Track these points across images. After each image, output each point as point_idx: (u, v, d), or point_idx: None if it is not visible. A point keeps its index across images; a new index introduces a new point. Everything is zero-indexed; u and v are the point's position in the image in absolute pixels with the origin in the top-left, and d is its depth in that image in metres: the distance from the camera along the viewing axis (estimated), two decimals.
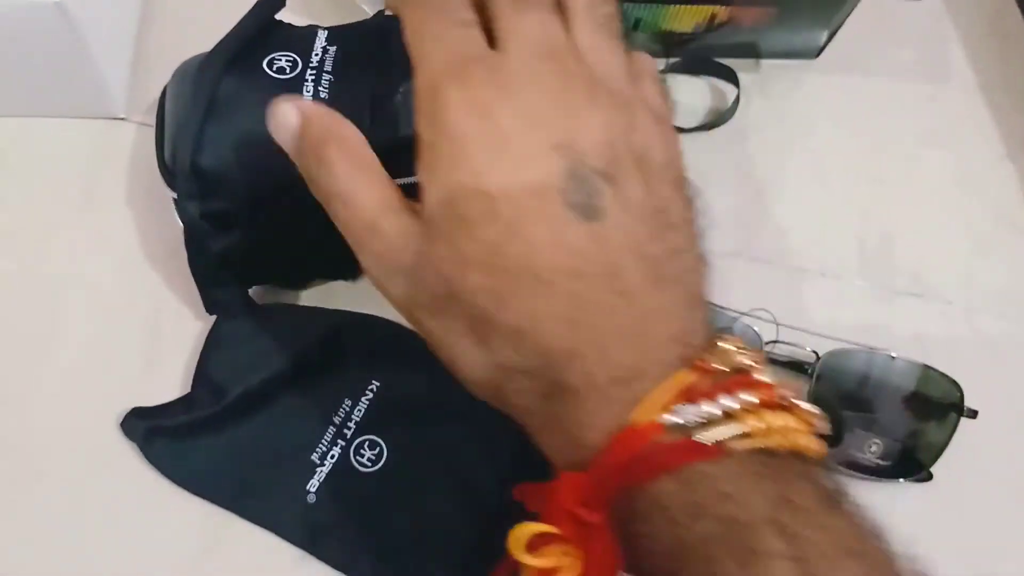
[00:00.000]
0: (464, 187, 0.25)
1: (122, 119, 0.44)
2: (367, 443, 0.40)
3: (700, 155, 0.46)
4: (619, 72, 0.28)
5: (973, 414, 0.40)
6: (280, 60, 0.38)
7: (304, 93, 0.37)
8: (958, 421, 0.40)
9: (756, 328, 0.40)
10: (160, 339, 0.41)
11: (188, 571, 0.37)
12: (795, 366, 0.41)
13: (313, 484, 0.39)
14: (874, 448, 0.40)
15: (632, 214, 0.25)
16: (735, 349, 0.25)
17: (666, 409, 0.23)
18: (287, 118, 0.28)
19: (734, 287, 0.43)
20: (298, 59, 0.38)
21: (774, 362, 0.41)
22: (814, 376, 0.40)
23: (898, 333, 0.43)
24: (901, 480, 0.40)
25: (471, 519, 0.38)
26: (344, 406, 0.40)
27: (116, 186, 0.43)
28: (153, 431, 0.38)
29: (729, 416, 0.23)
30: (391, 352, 0.41)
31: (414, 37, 0.28)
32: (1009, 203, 0.46)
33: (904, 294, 0.44)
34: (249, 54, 0.38)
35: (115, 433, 0.38)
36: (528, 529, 0.24)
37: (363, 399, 0.40)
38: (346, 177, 0.27)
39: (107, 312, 0.41)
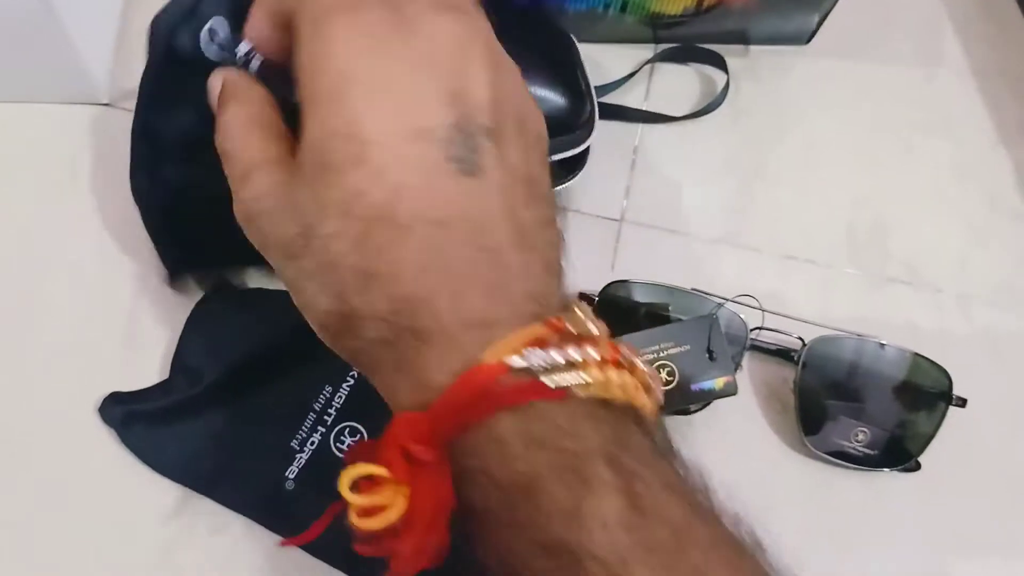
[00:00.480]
0: (336, 132, 0.25)
1: (106, 104, 0.44)
2: (347, 429, 0.39)
3: (690, 142, 0.46)
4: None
5: (962, 403, 0.39)
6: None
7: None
8: (947, 410, 0.39)
9: (742, 316, 0.40)
10: (140, 325, 0.40)
11: (165, 556, 0.37)
12: (781, 353, 0.40)
13: (292, 471, 0.38)
14: (861, 437, 0.39)
15: (510, 176, 0.25)
16: (586, 317, 0.25)
17: (515, 352, 0.23)
18: (213, 83, 0.30)
19: (722, 274, 0.43)
20: None
21: (759, 349, 0.40)
22: (800, 363, 0.39)
23: (888, 321, 0.42)
24: (888, 470, 0.39)
25: None
26: (324, 392, 0.40)
27: (98, 172, 0.43)
28: (130, 416, 0.38)
29: (572, 366, 0.23)
30: None
31: None
32: (1003, 190, 0.45)
33: (895, 282, 0.43)
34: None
35: (93, 418, 0.38)
36: (357, 470, 0.24)
37: (344, 386, 0.40)
38: (235, 133, 0.28)
39: (87, 297, 0.41)
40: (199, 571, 0.37)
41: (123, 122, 0.43)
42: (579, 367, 0.23)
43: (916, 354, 0.40)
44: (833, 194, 0.45)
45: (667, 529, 0.22)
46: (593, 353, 0.24)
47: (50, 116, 0.44)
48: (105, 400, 0.38)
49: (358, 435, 0.39)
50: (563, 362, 0.23)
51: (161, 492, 0.38)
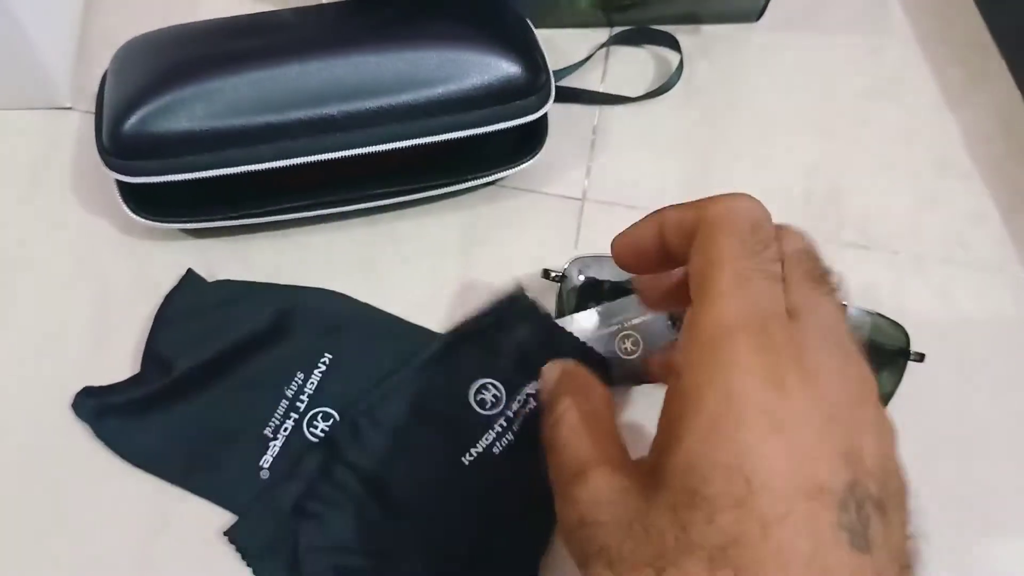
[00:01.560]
0: (717, 463, 0.22)
1: (68, 108, 0.44)
2: (320, 415, 0.40)
3: (648, 121, 0.47)
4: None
5: (920, 357, 0.40)
6: None
7: None
8: (905, 366, 0.40)
9: None
10: (109, 320, 0.41)
11: (141, 548, 0.37)
12: None
13: (266, 460, 0.39)
14: None
15: (889, 559, 0.22)
16: None
17: None
18: (549, 373, 0.33)
19: None
20: None
21: None
22: None
23: (846, 285, 0.43)
24: None
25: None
26: (296, 379, 0.40)
27: (64, 173, 0.44)
28: (103, 409, 0.39)
29: None
30: (343, 325, 0.41)
31: (714, 267, 0.25)
32: (951, 152, 0.46)
33: (852, 246, 0.44)
34: None
35: (67, 413, 0.38)
36: None
37: (315, 371, 0.40)
38: (569, 427, 0.29)
39: (57, 295, 0.41)
40: (176, 562, 0.37)
41: (85, 125, 0.44)
42: None
43: (875, 313, 0.41)
44: (787, 164, 0.46)
45: None
46: None
47: (12, 121, 0.44)
48: (77, 395, 0.39)
49: (331, 420, 0.40)
50: None
51: (136, 484, 0.38)
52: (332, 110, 0.39)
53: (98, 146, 0.39)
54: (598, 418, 0.29)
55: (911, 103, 0.48)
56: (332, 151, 0.39)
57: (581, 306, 0.41)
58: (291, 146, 0.39)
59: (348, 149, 0.39)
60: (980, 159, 0.46)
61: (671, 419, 0.24)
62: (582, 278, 0.41)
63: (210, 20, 0.42)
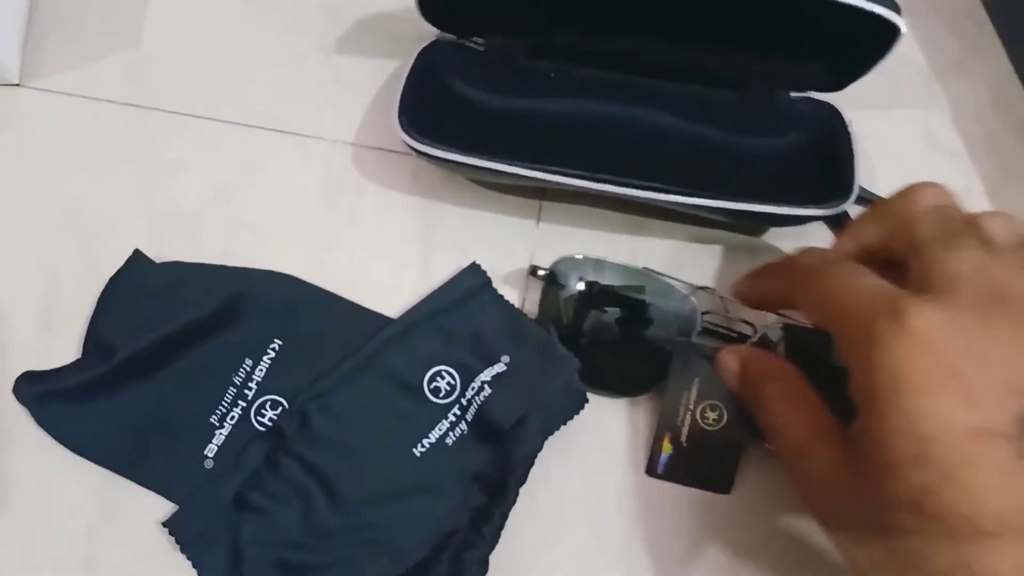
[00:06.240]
0: (897, 430, 0.25)
1: (16, 85, 0.43)
2: (269, 403, 0.38)
3: None
4: None
5: None
6: None
7: None
8: None
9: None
10: (56, 305, 0.40)
11: (85, 539, 0.36)
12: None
13: (211, 449, 0.37)
14: None
15: None
16: None
17: None
18: (730, 362, 0.35)
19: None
20: None
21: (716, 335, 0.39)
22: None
23: None
24: None
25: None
26: (245, 365, 0.39)
27: (11, 152, 0.42)
28: (44, 395, 0.37)
29: None
30: (293, 310, 0.40)
31: (826, 297, 0.29)
32: (938, 127, 0.44)
33: None
34: None
35: (8, 398, 0.37)
36: None
37: (264, 358, 0.39)
38: (782, 409, 0.32)
39: (3, 276, 0.40)
40: (120, 555, 0.36)
41: (35, 101, 0.43)
42: None
43: None
44: None
45: None
46: None
47: None
48: (18, 379, 0.37)
49: (279, 408, 0.38)
50: None
51: (80, 473, 0.37)
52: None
53: None
54: (803, 395, 0.31)
55: (900, 76, 0.45)
56: None
57: (581, 314, 0.39)
58: None
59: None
60: (968, 135, 0.44)
61: (860, 392, 0.27)
62: (581, 285, 0.39)
63: None
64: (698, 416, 0.37)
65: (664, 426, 0.37)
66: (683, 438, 0.37)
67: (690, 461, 0.37)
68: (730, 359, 0.35)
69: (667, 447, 0.37)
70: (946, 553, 0.24)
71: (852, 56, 0.39)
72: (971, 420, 0.24)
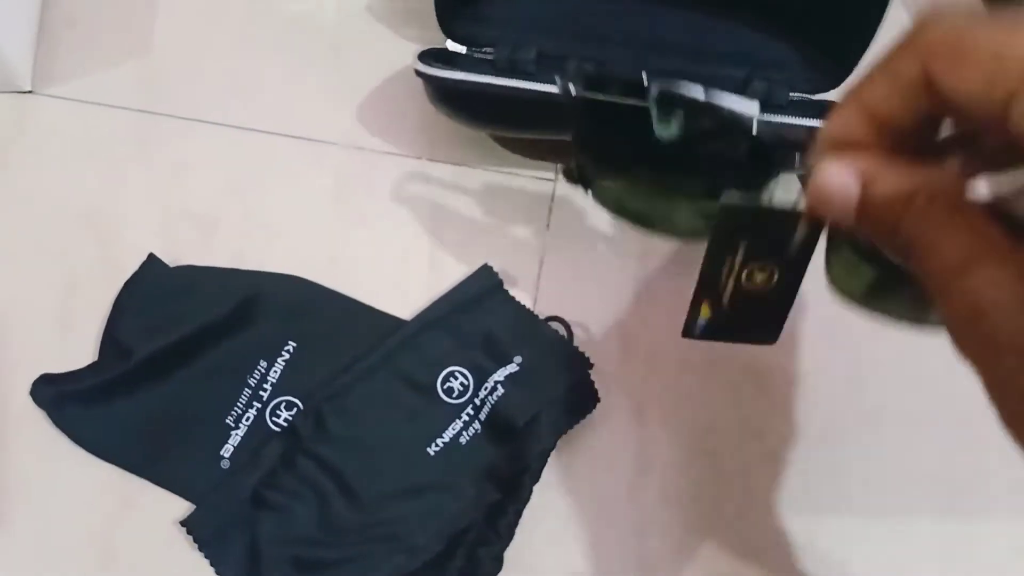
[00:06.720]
0: None
1: (28, 92, 0.44)
2: (284, 404, 0.39)
3: None
4: None
5: None
6: None
7: None
8: None
9: None
10: (73, 307, 0.40)
11: (101, 538, 0.37)
12: None
13: (227, 449, 0.38)
14: None
15: None
16: None
17: None
18: (839, 181, 0.25)
19: None
20: None
21: None
22: None
23: None
24: None
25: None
26: (259, 367, 0.39)
27: (28, 156, 0.43)
28: (62, 397, 0.38)
29: None
30: (306, 311, 0.40)
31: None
32: None
33: None
34: None
35: (26, 399, 0.38)
36: None
37: (279, 360, 0.39)
38: (936, 234, 0.23)
39: (21, 279, 0.40)
40: (137, 554, 0.36)
41: (49, 107, 0.43)
42: None
43: None
44: None
45: None
46: None
47: None
48: (36, 381, 0.38)
49: (294, 409, 0.39)
50: None
51: (96, 472, 0.37)
52: None
53: None
54: (968, 206, 0.23)
55: None
56: None
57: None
58: None
59: None
60: None
61: None
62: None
63: None
64: (743, 280, 0.32)
65: (703, 291, 0.32)
66: (724, 301, 0.32)
67: (733, 320, 0.32)
68: (846, 176, 0.25)
69: (705, 311, 0.32)
70: None
71: (850, 53, 0.40)
72: None
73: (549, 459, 0.37)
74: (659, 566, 0.37)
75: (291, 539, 0.36)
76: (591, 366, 0.38)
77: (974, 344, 0.23)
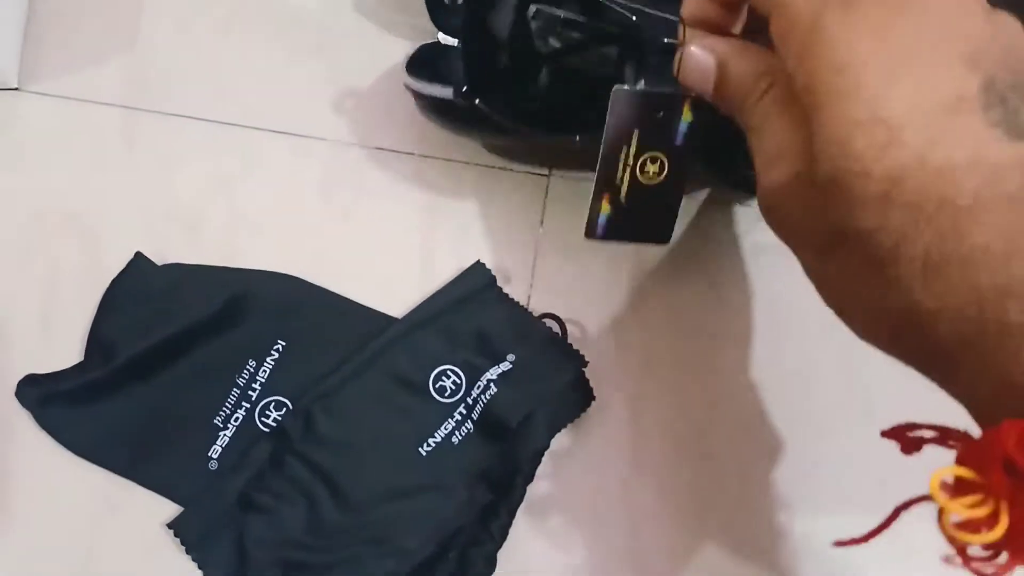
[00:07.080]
0: (857, 121, 0.23)
1: (15, 89, 0.43)
2: (273, 404, 0.38)
3: None
4: None
5: None
6: None
7: None
8: None
9: None
10: (57, 307, 0.39)
11: (87, 539, 0.36)
12: None
13: (216, 450, 0.37)
14: None
15: None
16: None
17: None
18: (701, 60, 0.29)
19: None
20: None
21: None
22: None
23: None
24: None
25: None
26: (248, 366, 0.39)
27: (11, 155, 0.42)
28: (47, 398, 0.37)
29: None
30: (296, 310, 0.40)
31: None
32: None
33: None
34: None
35: (11, 401, 0.37)
36: (953, 472, 0.22)
37: (268, 359, 0.39)
38: (769, 110, 0.27)
39: (4, 277, 0.40)
40: (123, 557, 0.36)
41: (32, 105, 0.43)
42: None
43: None
44: None
45: None
46: None
47: None
48: (20, 382, 0.37)
49: (283, 408, 0.38)
50: None
51: (82, 474, 0.37)
52: None
53: None
54: (792, 102, 0.27)
55: None
56: None
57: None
58: None
59: None
60: None
61: (810, 97, 0.25)
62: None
63: None
64: (638, 173, 0.34)
65: (602, 185, 0.34)
66: (622, 196, 0.34)
67: (630, 218, 0.35)
68: (704, 56, 0.29)
69: (606, 208, 0.35)
70: (919, 239, 0.22)
71: None
72: (936, 97, 0.23)
73: (543, 458, 0.37)
74: (653, 565, 0.37)
75: (279, 542, 0.36)
76: (586, 364, 0.38)
77: (780, 229, 0.27)
